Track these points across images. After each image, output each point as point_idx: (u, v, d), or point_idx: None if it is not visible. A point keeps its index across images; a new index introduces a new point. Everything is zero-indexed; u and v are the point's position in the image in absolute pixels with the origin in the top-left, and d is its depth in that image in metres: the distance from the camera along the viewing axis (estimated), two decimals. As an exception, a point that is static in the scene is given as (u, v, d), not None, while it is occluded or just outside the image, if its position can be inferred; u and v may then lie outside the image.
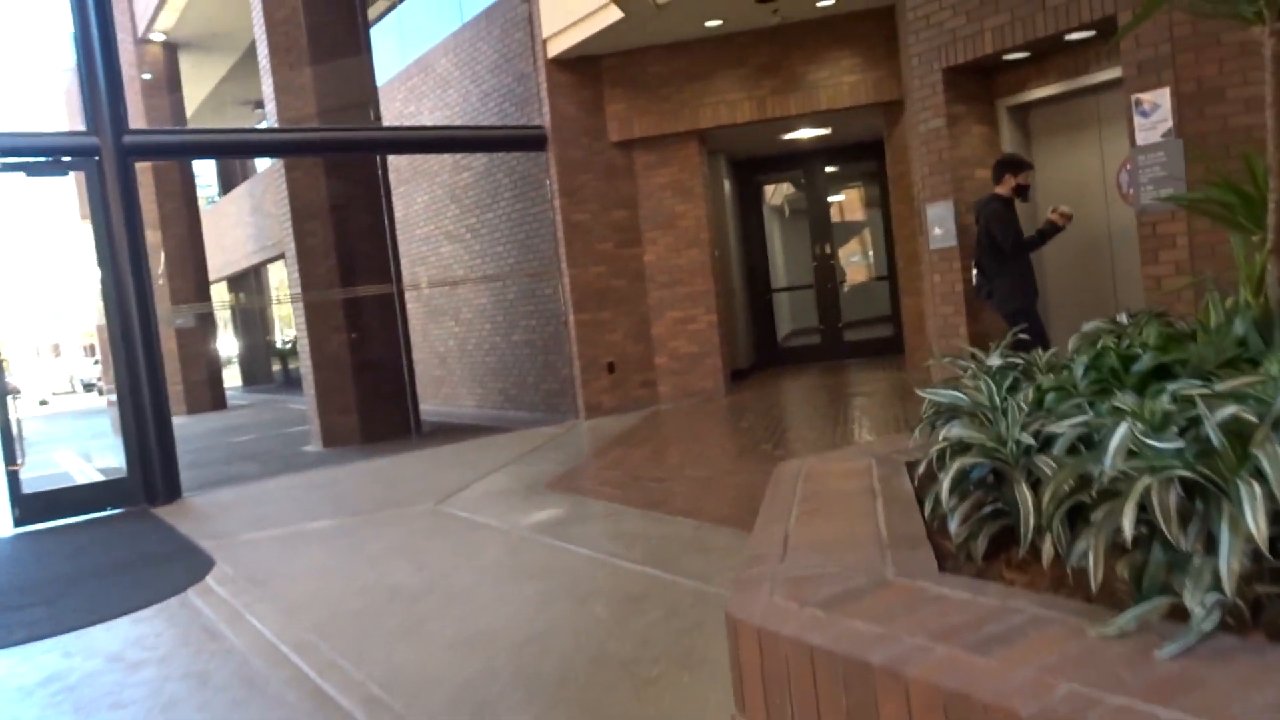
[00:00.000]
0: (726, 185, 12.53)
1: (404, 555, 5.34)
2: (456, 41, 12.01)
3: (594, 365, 10.20)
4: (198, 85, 19.25)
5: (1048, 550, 1.85)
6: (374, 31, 12.37)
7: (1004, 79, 7.18)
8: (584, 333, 10.15)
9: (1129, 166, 6.15)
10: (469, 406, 12.78)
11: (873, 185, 13.34)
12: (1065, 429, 2.05)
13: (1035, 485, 1.99)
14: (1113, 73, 6.45)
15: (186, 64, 18.11)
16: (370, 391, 10.90)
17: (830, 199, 13.77)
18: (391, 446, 9.97)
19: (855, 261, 16.35)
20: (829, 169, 13.64)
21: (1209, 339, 2.58)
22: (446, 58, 12.26)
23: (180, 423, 9.44)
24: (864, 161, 13.29)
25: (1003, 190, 6.59)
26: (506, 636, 3.85)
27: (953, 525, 2.13)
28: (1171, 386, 1.90)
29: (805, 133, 11.52)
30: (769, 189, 15.08)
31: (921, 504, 2.48)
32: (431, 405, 13.07)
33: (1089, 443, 1.99)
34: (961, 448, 2.28)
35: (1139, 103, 5.87)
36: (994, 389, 2.61)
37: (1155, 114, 5.80)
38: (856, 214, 17.51)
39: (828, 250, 13.39)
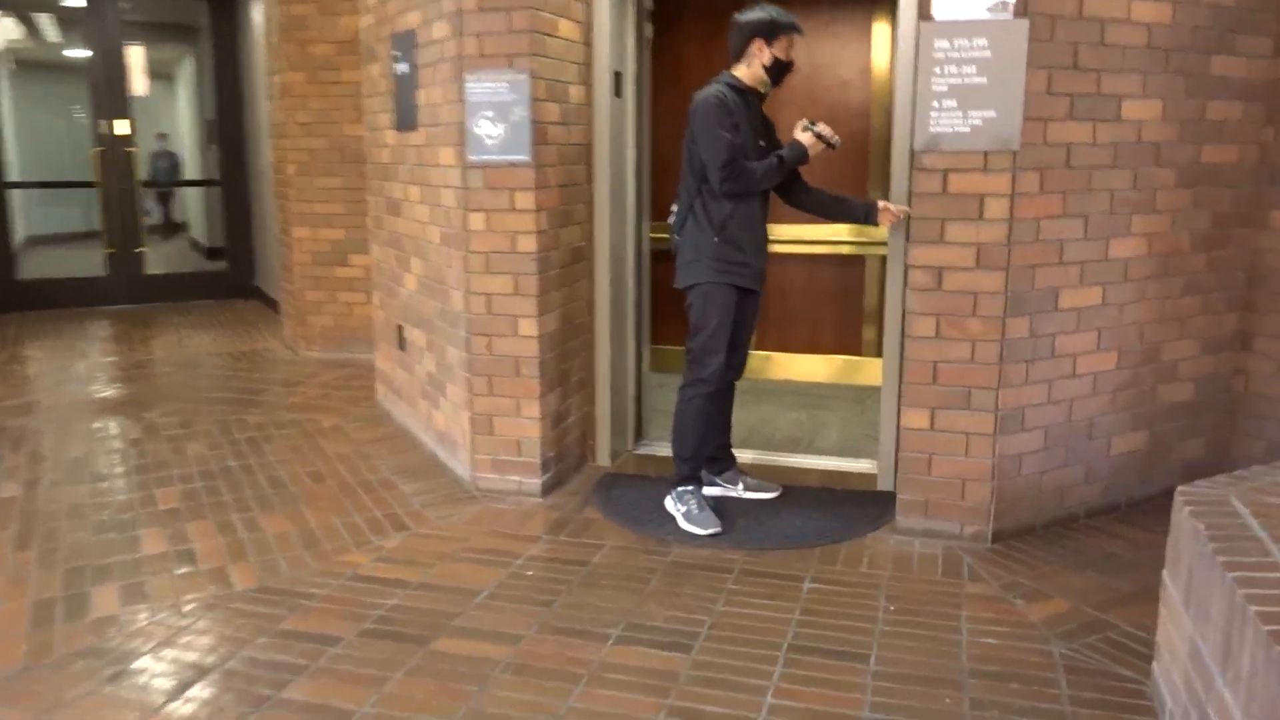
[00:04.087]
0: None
1: None
2: None
3: None
4: None
5: None
6: None
7: None
8: None
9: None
10: None
11: (215, 43, 8.69)
12: None
13: None
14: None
15: None
16: None
17: (131, 53, 8.68)
18: None
19: (166, 153, 11.36)
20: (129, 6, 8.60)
21: None
22: None
23: None
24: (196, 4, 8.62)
25: (745, 72, 3.51)
26: None
27: None
28: None
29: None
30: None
31: None
32: None
33: None
34: None
35: (951, -64, 3.09)
36: None
37: (971, -35, 3.08)
38: (174, 82, 12.59)
39: (124, 132, 8.44)
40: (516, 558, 3.30)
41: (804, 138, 3.50)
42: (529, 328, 3.72)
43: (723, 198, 3.41)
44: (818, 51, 5.37)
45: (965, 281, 3.23)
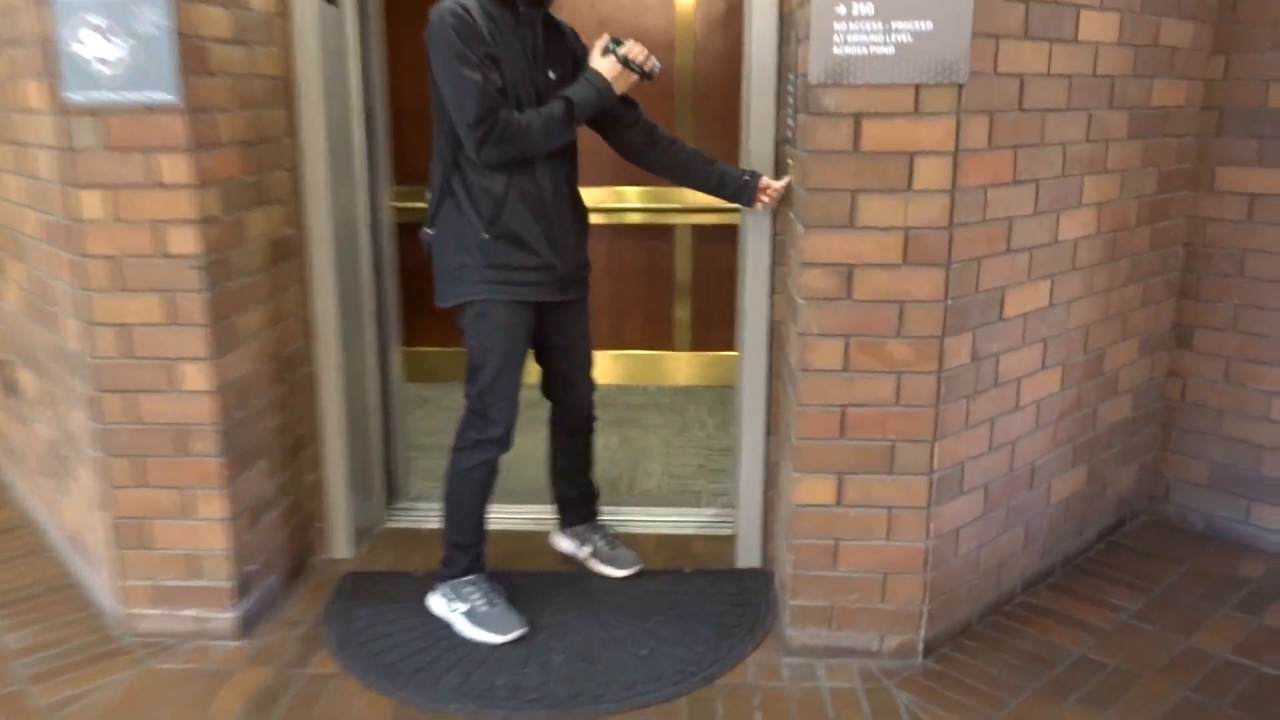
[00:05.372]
0: None
1: None
2: None
3: None
4: None
5: None
6: None
7: None
8: None
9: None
10: None
11: None
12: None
13: None
14: None
15: None
16: None
17: None
18: None
19: None
20: None
21: None
22: None
23: None
24: None
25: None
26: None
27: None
28: None
29: None
30: None
31: None
32: None
33: None
34: None
35: None
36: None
37: None
38: None
39: None
40: (188, 789, 1.91)
41: (604, 64, 2.28)
42: (198, 377, 2.27)
43: (480, 161, 2.14)
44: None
45: (887, 285, 2.12)
